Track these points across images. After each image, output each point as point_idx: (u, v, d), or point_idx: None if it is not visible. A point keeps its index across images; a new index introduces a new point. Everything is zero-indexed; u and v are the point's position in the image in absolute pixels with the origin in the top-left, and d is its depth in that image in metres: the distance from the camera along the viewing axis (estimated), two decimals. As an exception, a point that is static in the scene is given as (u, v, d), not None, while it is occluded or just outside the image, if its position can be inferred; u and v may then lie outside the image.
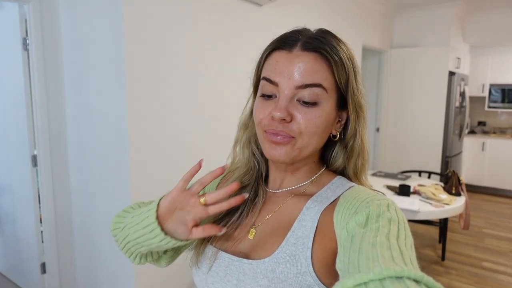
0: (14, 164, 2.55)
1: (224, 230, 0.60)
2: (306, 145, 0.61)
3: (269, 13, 2.61)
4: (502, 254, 3.47)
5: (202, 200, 0.58)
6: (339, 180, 0.67)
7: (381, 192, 0.64)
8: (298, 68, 0.58)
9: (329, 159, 0.70)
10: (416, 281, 0.36)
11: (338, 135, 0.66)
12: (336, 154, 0.69)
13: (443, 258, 3.31)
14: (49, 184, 2.33)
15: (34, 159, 2.34)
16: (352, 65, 0.62)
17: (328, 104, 0.60)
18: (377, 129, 4.75)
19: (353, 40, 3.85)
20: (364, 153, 0.67)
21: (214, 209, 0.58)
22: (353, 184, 0.66)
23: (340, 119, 0.66)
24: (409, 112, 4.59)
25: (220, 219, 0.70)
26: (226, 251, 0.65)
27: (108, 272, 2.21)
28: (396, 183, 2.87)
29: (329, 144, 0.68)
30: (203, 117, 2.26)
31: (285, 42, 0.61)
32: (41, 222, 2.42)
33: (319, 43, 0.59)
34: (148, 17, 1.92)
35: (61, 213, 2.39)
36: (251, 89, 0.70)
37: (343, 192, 0.63)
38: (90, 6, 2.02)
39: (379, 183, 2.95)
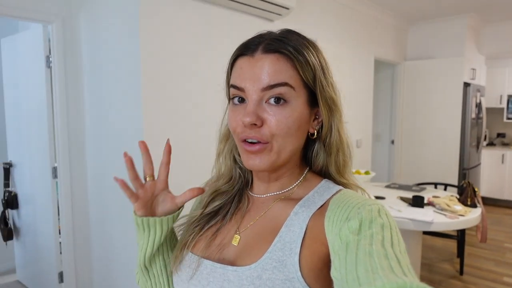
0: (36, 176, 2.65)
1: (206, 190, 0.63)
2: (282, 147, 0.60)
3: (281, 27, 2.68)
4: (524, 269, 3.36)
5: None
6: (325, 183, 0.66)
7: (362, 188, 0.65)
8: (261, 71, 0.58)
9: (310, 158, 0.68)
10: None
11: (315, 133, 0.65)
12: (316, 153, 0.67)
13: (461, 272, 3.22)
14: (68, 195, 2.42)
15: (55, 171, 2.43)
16: (318, 60, 0.61)
17: (298, 103, 0.60)
18: (392, 142, 4.71)
19: (365, 53, 3.88)
20: (344, 148, 0.66)
21: (180, 199, 0.65)
22: (340, 187, 0.65)
23: (317, 116, 0.65)
24: (424, 124, 4.55)
25: (199, 222, 0.69)
26: (208, 258, 0.63)
27: (126, 282, 2.25)
28: (410, 195, 2.84)
29: (309, 143, 0.67)
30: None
31: (247, 48, 0.61)
32: (59, 233, 2.50)
33: (281, 44, 0.59)
34: (164, 36, 2.00)
35: (79, 224, 2.47)
36: (226, 100, 0.69)
37: (331, 196, 0.62)
38: (109, 25, 2.13)
39: (393, 195, 2.92)
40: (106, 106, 2.23)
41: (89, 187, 2.45)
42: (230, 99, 0.63)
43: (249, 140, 0.60)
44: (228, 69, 0.65)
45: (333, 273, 0.49)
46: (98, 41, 2.23)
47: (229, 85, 0.63)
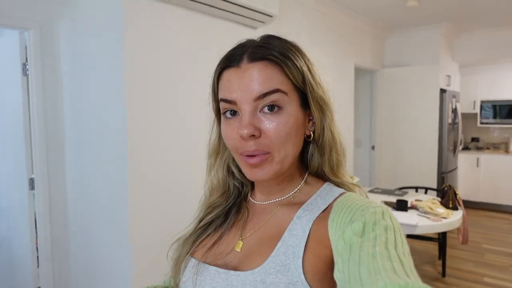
0: (11, 187, 2.54)
1: None
2: (284, 156, 0.59)
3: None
4: (502, 269, 3.46)
5: None
6: (327, 186, 0.66)
7: (358, 186, 0.66)
8: (251, 80, 0.57)
9: (307, 161, 0.69)
10: None
11: (312, 135, 0.65)
12: (311, 155, 0.67)
13: (443, 274, 3.28)
14: (46, 207, 2.32)
15: (32, 182, 2.33)
16: (304, 61, 0.62)
17: (292, 107, 0.59)
18: (373, 147, 4.79)
19: (346, 60, 3.95)
20: (337, 147, 0.66)
21: None
22: (342, 190, 0.65)
23: (311, 118, 0.65)
24: (403, 129, 4.65)
25: (202, 232, 0.69)
26: (211, 264, 0.63)
27: (106, 296, 2.17)
28: (393, 199, 2.88)
29: (305, 145, 0.67)
30: (201, 136, 2.28)
31: (231, 59, 0.60)
32: (37, 246, 2.39)
33: (265, 50, 0.59)
34: (148, 43, 1.97)
35: (58, 237, 2.37)
36: (212, 115, 0.69)
37: (334, 199, 0.62)
38: (91, 33, 2.08)
39: (377, 200, 2.96)
40: (87, 116, 2.16)
41: (68, 199, 2.36)
42: (222, 113, 0.62)
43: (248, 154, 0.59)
44: (213, 83, 0.64)
45: (336, 275, 0.49)
46: (78, 49, 2.17)
47: (218, 100, 0.63)
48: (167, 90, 2.09)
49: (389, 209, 0.57)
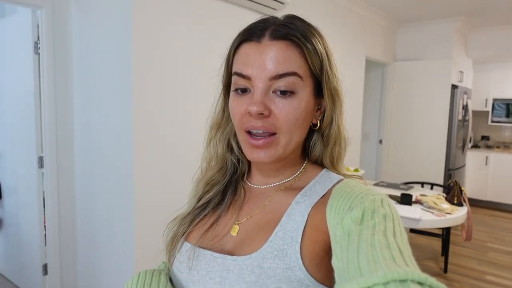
0: (20, 165, 2.58)
1: None
2: (289, 140, 0.59)
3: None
4: (506, 267, 3.44)
5: None
6: (326, 173, 0.66)
7: (358, 176, 0.65)
8: (270, 59, 0.55)
9: (307, 148, 0.68)
10: (420, 283, 0.36)
11: (318, 124, 0.64)
12: (314, 143, 0.67)
13: (445, 270, 3.28)
14: (54, 185, 2.36)
15: (41, 160, 2.37)
16: (325, 49, 0.60)
17: (305, 93, 0.58)
18: (380, 141, 4.76)
19: (357, 52, 3.91)
20: (341, 141, 0.66)
21: None
22: (341, 177, 0.65)
23: (319, 107, 0.64)
24: (412, 124, 4.61)
25: (200, 212, 0.68)
26: (206, 248, 0.62)
27: (110, 274, 2.21)
28: (398, 193, 2.87)
29: (308, 133, 0.66)
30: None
31: (252, 33, 0.58)
32: (44, 224, 2.44)
33: (289, 30, 0.57)
34: (157, 25, 1.97)
35: (65, 215, 2.41)
36: (220, 86, 0.67)
37: (333, 186, 0.62)
38: (101, 13, 2.09)
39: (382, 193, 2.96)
40: (96, 95, 2.18)
41: (76, 178, 2.39)
42: (233, 90, 0.61)
43: (254, 131, 0.58)
44: (229, 54, 0.62)
45: (334, 262, 0.48)
46: (88, 28, 2.18)
47: (231, 73, 0.61)
48: (175, 71, 2.09)
49: (387, 197, 0.56)
